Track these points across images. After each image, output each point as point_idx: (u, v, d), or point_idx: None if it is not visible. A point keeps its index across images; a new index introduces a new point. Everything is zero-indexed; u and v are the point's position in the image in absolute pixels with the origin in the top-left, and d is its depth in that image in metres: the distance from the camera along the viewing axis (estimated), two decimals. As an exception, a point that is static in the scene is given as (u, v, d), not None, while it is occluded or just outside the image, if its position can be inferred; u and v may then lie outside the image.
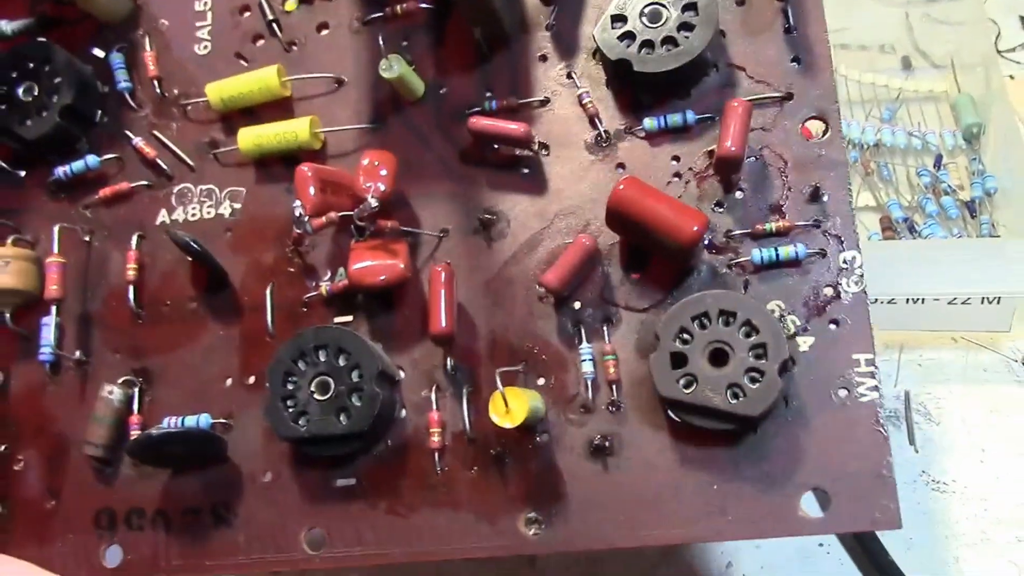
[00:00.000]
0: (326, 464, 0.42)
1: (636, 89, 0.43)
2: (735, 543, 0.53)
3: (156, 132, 0.48)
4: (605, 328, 0.42)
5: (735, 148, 0.40)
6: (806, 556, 0.52)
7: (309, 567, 0.42)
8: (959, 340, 0.54)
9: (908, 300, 0.52)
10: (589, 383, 0.41)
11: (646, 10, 0.42)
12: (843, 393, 0.39)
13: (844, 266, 0.40)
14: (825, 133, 0.42)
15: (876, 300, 0.51)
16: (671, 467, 0.40)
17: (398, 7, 0.46)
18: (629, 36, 0.42)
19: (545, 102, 0.45)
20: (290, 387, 0.41)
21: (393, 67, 0.43)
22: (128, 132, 0.48)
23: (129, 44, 0.50)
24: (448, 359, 0.42)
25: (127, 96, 0.49)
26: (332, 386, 0.41)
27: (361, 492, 0.42)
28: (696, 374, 0.38)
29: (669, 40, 0.42)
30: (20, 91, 0.47)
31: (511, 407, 0.38)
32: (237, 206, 0.47)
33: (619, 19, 0.42)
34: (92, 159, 0.47)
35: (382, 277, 0.42)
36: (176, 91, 0.49)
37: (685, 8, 0.42)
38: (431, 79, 0.46)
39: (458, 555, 0.41)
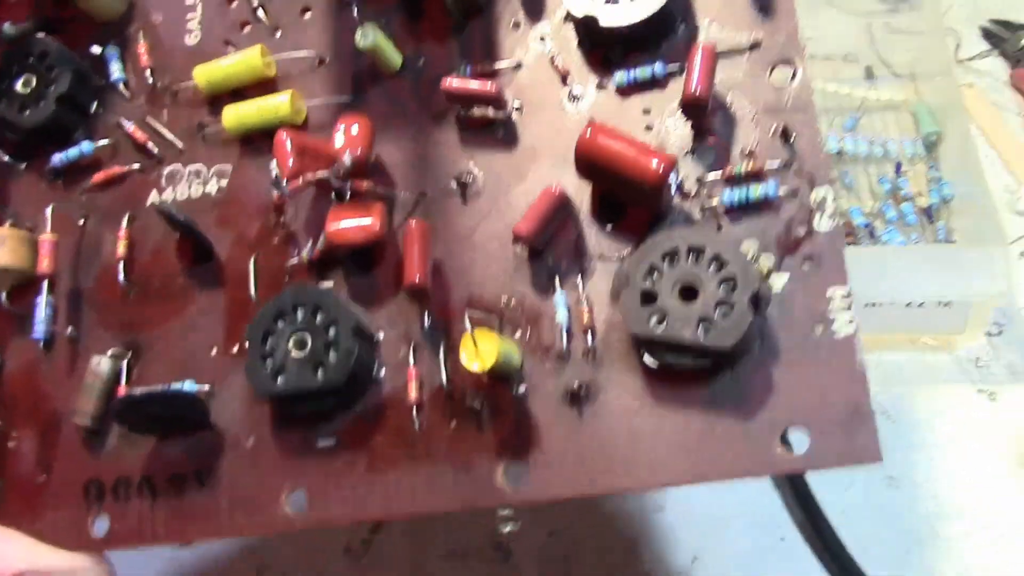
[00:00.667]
0: (306, 425, 0.42)
1: (606, 47, 0.44)
2: (702, 538, 0.53)
3: (148, 118, 0.49)
4: (580, 278, 0.41)
5: (701, 90, 0.40)
6: (766, 549, 0.52)
7: (290, 529, 0.42)
8: (915, 342, 0.55)
9: (866, 304, 0.53)
10: (564, 331, 0.41)
11: (611, -34, 0.43)
12: (819, 329, 0.38)
13: (816, 204, 0.40)
14: (793, 78, 0.42)
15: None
16: (647, 411, 0.39)
17: (375, -12, 0.48)
18: (595, -7, 0.43)
19: (519, 66, 0.45)
20: (269, 347, 0.42)
21: (368, 36, 0.44)
22: (121, 120, 0.50)
23: (124, 39, 0.51)
24: (425, 315, 0.43)
25: (121, 86, 0.50)
26: (309, 342, 0.41)
27: (341, 451, 0.42)
28: (666, 310, 0.38)
29: (634, -7, 0.42)
30: (19, 84, 0.49)
31: (481, 349, 0.38)
32: (224, 183, 0.48)
33: (585, -23, 0.43)
34: (87, 145, 0.49)
35: (358, 235, 0.42)
36: (167, 80, 0.50)
37: (649, -38, 0.42)
38: (409, 53, 0.47)
39: (438, 510, 0.40)
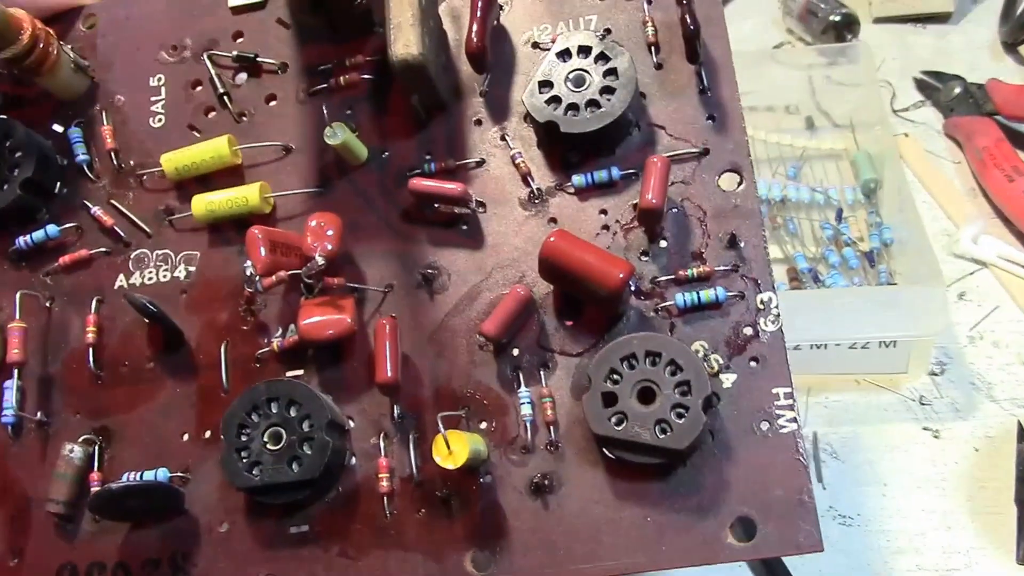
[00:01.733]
0: (280, 512, 0.44)
1: (565, 149, 0.47)
2: None
3: (114, 201, 0.50)
4: (542, 372, 0.44)
5: (655, 200, 0.43)
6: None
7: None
8: (861, 382, 0.57)
9: (813, 346, 0.55)
10: (528, 425, 0.43)
11: (570, 75, 0.46)
12: (765, 425, 0.42)
13: (761, 307, 0.43)
14: (740, 184, 0.45)
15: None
16: (608, 502, 0.42)
17: (342, 79, 0.50)
18: (556, 100, 0.45)
19: (481, 163, 0.48)
20: (244, 438, 0.43)
21: (337, 134, 0.46)
22: (87, 202, 0.50)
23: (87, 119, 0.52)
24: (395, 407, 0.45)
25: (85, 168, 0.51)
26: (284, 436, 0.43)
27: (314, 538, 0.44)
28: (626, 412, 0.41)
29: (592, 103, 0.45)
30: (-19, 166, 0.50)
31: (453, 449, 0.40)
32: (192, 269, 0.49)
33: (546, 84, 0.46)
34: (52, 228, 0.50)
35: (330, 331, 0.44)
36: (132, 162, 0.51)
37: (606, 73, 0.45)
38: (374, 145, 0.49)
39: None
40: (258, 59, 0.51)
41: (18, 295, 0.49)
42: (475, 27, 0.46)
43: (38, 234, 0.50)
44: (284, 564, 0.44)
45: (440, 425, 0.41)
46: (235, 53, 0.51)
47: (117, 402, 0.47)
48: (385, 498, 0.44)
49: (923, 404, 0.57)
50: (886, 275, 0.61)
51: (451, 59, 0.49)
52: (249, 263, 0.44)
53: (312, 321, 0.44)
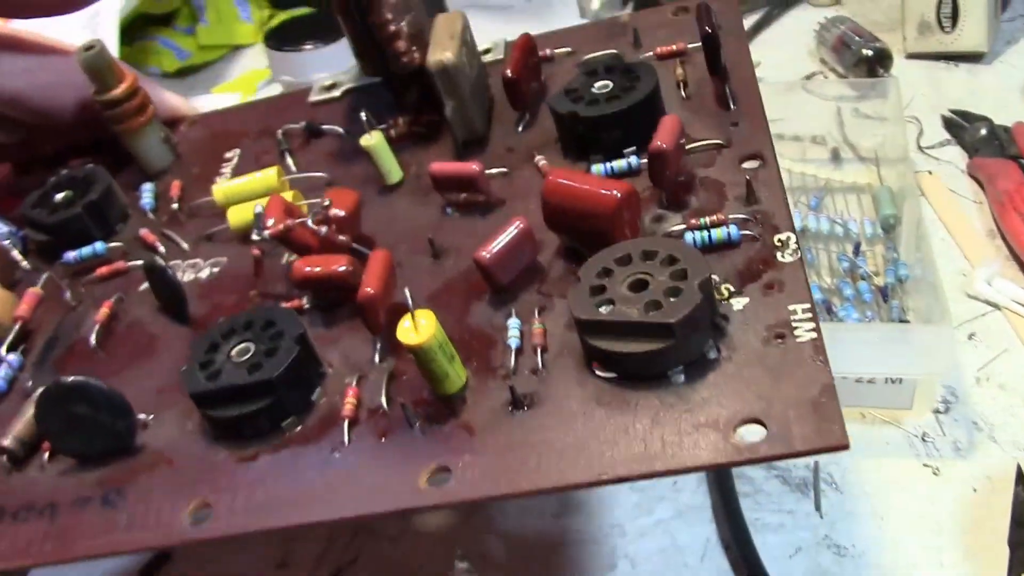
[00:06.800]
0: (231, 442, 0.39)
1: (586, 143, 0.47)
2: (621, 548, 0.53)
3: (164, 229, 0.53)
4: (538, 311, 0.40)
5: (664, 144, 0.42)
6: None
7: (185, 541, 0.37)
8: (867, 416, 0.56)
9: None
10: (513, 350, 0.39)
11: (594, 84, 0.48)
12: (779, 339, 0.36)
13: (779, 244, 0.40)
14: (763, 166, 0.44)
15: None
16: (592, 414, 0.36)
17: (391, 131, 0.53)
18: (578, 99, 0.47)
19: (507, 173, 0.48)
20: (211, 357, 0.40)
21: (372, 136, 0.49)
22: (139, 231, 0.53)
23: (162, 184, 0.56)
24: (377, 344, 0.41)
25: (148, 212, 0.54)
26: (252, 349, 0.40)
27: (261, 466, 0.38)
28: (615, 298, 0.36)
29: (614, 97, 0.46)
30: (57, 196, 0.54)
31: (419, 325, 0.37)
32: (216, 271, 0.49)
33: (571, 91, 0.48)
34: (100, 245, 0.52)
35: (320, 268, 0.43)
36: (189, 205, 0.54)
37: (627, 80, 0.47)
38: (412, 174, 0.51)
39: (356, 514, 0.36)
40: (323, 127, 0.55)
41: (44, 276, 0.50)
42: (514, 55, 0.50)
43: (86, 250, 0.52)
44: (221, 494, 0.38)
45: (408, 298, 0.37)
46: (304, 123, 0.56)
47: (105, 368, 0.45)
48: (347, 423, 0.39)
49: (925, 441, 0.55)
50: (898, 311, 0.59)
51: (488, 105, 0.52)
52: (260, 206, 0.44)
53: (309, 263, 0.43)
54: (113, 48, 0.94)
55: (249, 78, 1.07)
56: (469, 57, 0.50)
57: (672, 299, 0.35)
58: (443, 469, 0.36)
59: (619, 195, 0.40)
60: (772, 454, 0.33)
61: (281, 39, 0.96)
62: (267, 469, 0.38)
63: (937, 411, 0.56)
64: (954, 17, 0.81)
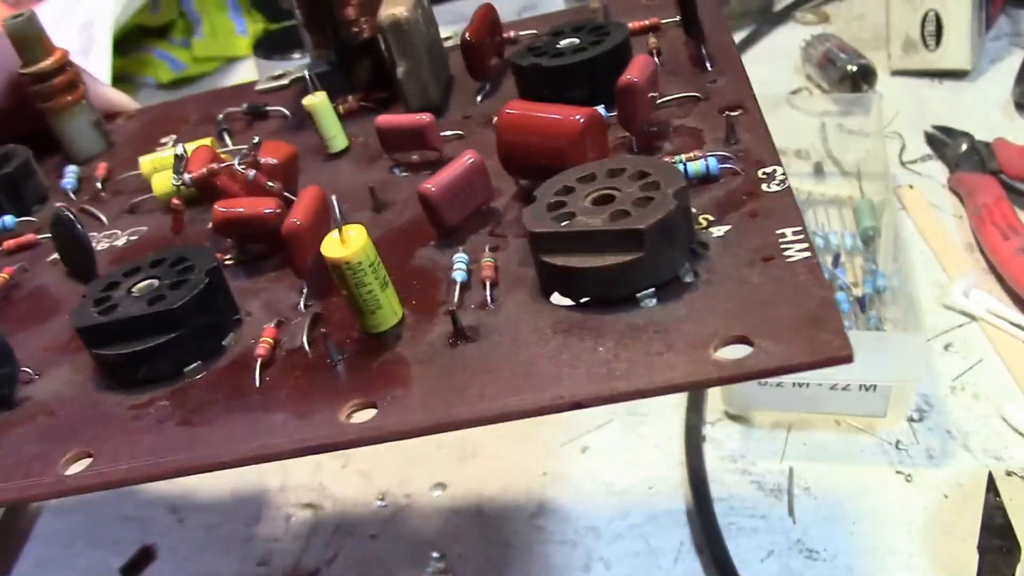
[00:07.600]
0: (126, 388, 0.34)
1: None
2: (596, 550, 0.51)
3: (85, 206, 0.47)
4: (487, 248, 0.35)
5: (636, 77, 0.38)
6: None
7: (61, 490, 0.31)
8: (841, 423, 0.55)
9: (795, 384, 0.53)
10: (459, 283, 0.33)
11: (561, 43, 0.44)
12: (766, 261, 0.31)
13: (763, 176, 0.35)
14: (744, 113, 0.39)
15: (767, 383, 0.54)
16: (548, 339, 0.30)
17: (340, 107, 0.48)
18: (540, 55, 0.43)
19: (461, 136, 0.44)
20: (109, 292, 0.35)
21: (316, 96, 0.44)
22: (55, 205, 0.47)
23: (89, 168, 0.52)
24: (304, 290, 0.36)
25: (69, 192, 0.49)
26: (156, 284, 0.34)
27: (155, 411, 0.32)
28: (576, 211, 0.31)
29: (581, 49, 0.42)
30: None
31: (348, 238, 0.31)
32: (134, 239, 0.44)
33: (534, 48, 0.44)
34: (9, 219, 0.47)
35: (242, 209, 0.38)
36: (115, 180, 0.49)
37: (596, 37, 0.43)
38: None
39: (261, 455, 0.30)
40: (267, 107, 0.51)
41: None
42: (474, 22, 0.46)
43: (-9, 224, 0.47)
44: (104, 440, 0.32)
45: (337, 212, 0.32)
46: (246, 106, 0.52)
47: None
48: (259, 363, 0.33)
49: (899, 448, 0.53)
50: (875, 321, 0.58)
51: (446, 72, 0.48)
52: (182, 146, 0.40)
53: (229, 203, 0.38)
54: (107, 58, 0.91)
55: (242, 89, 1.05)
56: (425, 21, 0.46)
57: (642, 209, 0.30)
58: (368, 405, 0.30)
59: (582, 120, 0.35)
60: (763, 368, 0.27)
61: (269, 48, 0.94)
62: (161, 416, 0.32)
63: (912, 419, 0.55)
64: (938, 35, 0.81)
